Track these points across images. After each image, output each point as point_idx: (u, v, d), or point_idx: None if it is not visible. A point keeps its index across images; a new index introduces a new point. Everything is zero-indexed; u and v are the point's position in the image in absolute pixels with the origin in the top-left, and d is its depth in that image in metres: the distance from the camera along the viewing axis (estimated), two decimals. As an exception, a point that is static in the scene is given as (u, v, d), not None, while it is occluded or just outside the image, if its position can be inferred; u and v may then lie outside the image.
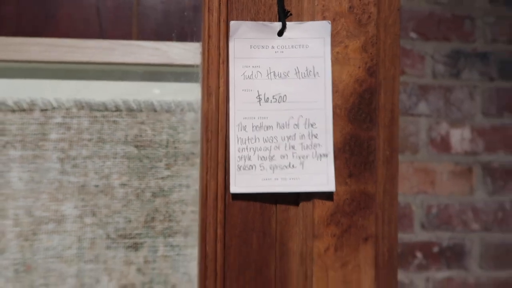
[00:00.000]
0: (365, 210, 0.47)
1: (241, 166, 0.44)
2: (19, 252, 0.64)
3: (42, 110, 0.66)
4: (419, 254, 1.03)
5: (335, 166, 0.45)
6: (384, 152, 0.49)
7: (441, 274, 1.04)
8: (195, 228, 0.63)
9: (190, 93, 0.66)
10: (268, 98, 0.45)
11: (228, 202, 0.45)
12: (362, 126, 0.47)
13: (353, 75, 0.47)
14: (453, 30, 1.05)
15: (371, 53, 0.47)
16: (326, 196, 0.45)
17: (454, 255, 1.04)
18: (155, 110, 0.68)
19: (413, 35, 1.02)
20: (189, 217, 0.64)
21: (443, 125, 1.05)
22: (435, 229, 1.05)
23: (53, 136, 0.65)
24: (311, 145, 0.44)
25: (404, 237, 1.01)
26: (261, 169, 0.44)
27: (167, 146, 0.65)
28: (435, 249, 1.05)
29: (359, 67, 0.47)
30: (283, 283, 0.47)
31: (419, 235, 1.04)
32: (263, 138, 0.45)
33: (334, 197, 0.46)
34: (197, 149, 0.64)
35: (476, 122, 1.06)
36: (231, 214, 0.45)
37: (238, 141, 0.45)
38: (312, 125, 0.44)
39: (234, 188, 0.43)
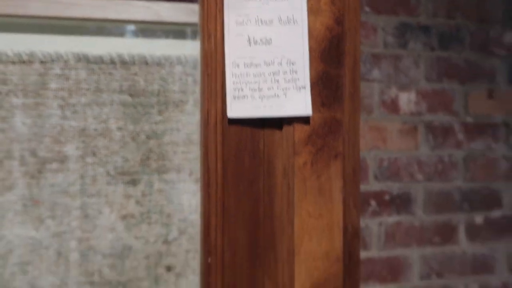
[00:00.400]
0: (335, 133, 0.58)
1: (235, 96, 0.54)
2: (27, 189, 0.70)
3: (41, 62, 0.72)
4: (373, 202, 1.18)
5: (311, 97, 0.56)
6: (349, 88, 0.60)
7: (392, 219, 1.20)
8: (187, 165, 0.72)
9: (178, 48, 0.74)
10: (256, 41, 0.55)
11: (224, 126, 0.55)
12: (332, 65, 0.58)
13: (324, 23, 0.58)
14: (400, 5, 1.19)
15: (338, 6, 0.58)
16: (304, 121, 0.56)
17: (402, 202, 1.20)
18: (147, 63, 0.75)
19: (367, 9, 1.15)
20: (181, 156, 0.72)
21: (393, 89, 1.19)
22: (386, 180, 1.20)
23: (53, 85, 0.71)
24: (292, 79, 0.54)
25: (360, 187, 1.15)
26: (252, 99, 0.54)
27: (158, 95, 0.73)
28: (386, 198, 1.20)
29: (329, 18, 0.58)
30: (270, 193, 0.57)
31: (373, 185, 1.19)
32: (253, 73, 0.55)
33: (310, 122, 0.56)
34: (185, 97, 0.73)
35: (420, 87, 1.21)
36: (228, 137, 0.55)
37: (232, 76, 0.55)
38: (292, 63, 0.54)
39: (230, 114, 0.53)
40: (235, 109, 0.54)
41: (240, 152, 0.56)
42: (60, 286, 0.71)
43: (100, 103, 0.73)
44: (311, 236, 0.56)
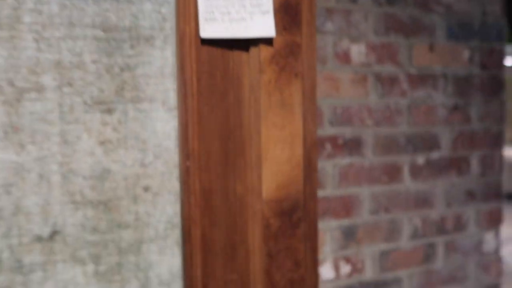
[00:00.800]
0: (295, 54, 0.66)
1: (207, 18, 0.60)
2: (6, 117, 0.73)
3: (13, -4, 0.74)
4: (328, 146, 1.29)
5: (274, 22, 0.63)
6: (306, 15, 0.68)
7: (345, 160, 1.31)
8: (159, 96, 0.77)
9: (147, -14, 0.78)
10: (224, -31, 0.61)
11: (198, 45, 0.61)
12: (292, -6, 0.66)
13: (284, -44, 0.65)
14: (351, -37, 1.27)
15: None
16: (268, 42, 0.63)
17: (354, 146, 1.32)
18: (117, 0, 0.79)
19: (320, -35, 1.23)
20: (153, 88, 0.78)
21: (345, 41, 1.29)
22: (339, 125, 1.31)
23: (27, 19, 0.73)
24: (257, 4, 0.61)
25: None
26: (222, 21, 0.61)
27: (130, 31, 0.77)
28: (340, 141, 1.31)
29: (288, -49, 0.65)
30: (239, 106, 0.65)
31: (327, 130, 1.29)
32: (222, -2, 0.61)
33: (274, 44, 0.64)
34: (155, 33, 0.78)
35: (369, 40, 1.32)
36: (201, 55, 0.61)
37: (204, 0, 0.61)
38: (257, -10, 0.62)
39: (203, 34, 0.59)
40: (207, 30, 0.60)
41: (212, 69, 0.63)
42: (44, 205, 0.76)
43: (74, 37, 0.76)
44: (276, 144, 0.64)
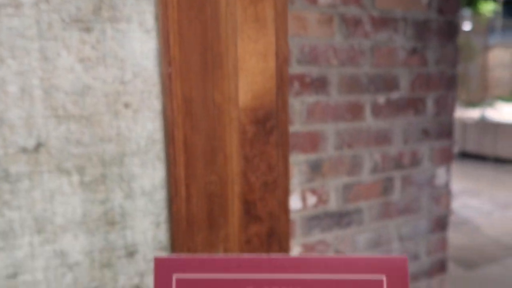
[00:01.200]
0: (268, -28, 0.70)
1: None
2: (-17, 32, 0.74)
3: None
4: (296, 84, 1.34)
5: None
6: None
7: (312, 98, 1.38)
8: (136, 17, 0.80)
9: None
10: None
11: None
12: None
13: None
14: None
15: None
16: (244, -42, 0.67)
17: (320, 84, 1.38)
18: None
19: None
20: (129, 8, 0.80)
21: (312, -18, 1.32)
22: (307, 64, 1.36)
23: None
24: None
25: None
26: None
27: (105, -47, 0.79)
28: (307, 80, 1.37)
29: None
30: (216, 20, 0.69)
31: (295, 69, 1.35)
32: None
33: (249, -41, 0.68)
34: (130, -44, 0.80)
35: (335, -19, 1.36)
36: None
37: None
38: None
39: None
40: None
41: (191, -17, 0.66)
42: (27, 118, 0.78)
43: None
44: (251, 57, 0.69)
